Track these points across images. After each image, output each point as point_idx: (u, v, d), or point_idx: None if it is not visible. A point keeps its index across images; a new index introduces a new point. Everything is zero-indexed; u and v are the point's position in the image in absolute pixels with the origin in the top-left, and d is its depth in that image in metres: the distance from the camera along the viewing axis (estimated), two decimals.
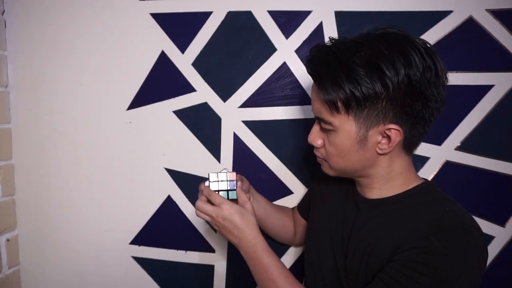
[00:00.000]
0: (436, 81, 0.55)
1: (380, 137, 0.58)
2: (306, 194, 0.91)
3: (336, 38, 0.61)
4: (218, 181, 0.72)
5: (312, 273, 0.73)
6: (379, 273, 0.55)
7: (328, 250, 0.69)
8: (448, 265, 0.51)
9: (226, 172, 0.72)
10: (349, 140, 0.59)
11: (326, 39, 0.85)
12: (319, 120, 0.63)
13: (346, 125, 0.58)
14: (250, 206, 0.68)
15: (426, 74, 0.54)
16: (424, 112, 0.56)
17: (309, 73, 0.62)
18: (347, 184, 0.71)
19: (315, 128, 0.65)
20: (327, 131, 0.61)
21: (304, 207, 0.87)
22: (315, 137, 0.64)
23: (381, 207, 0.63)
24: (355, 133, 0.58)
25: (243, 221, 0.65)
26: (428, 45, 0.57)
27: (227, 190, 0.73)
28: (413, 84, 0.53)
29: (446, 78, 0.58)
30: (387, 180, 0.63)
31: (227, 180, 0.72)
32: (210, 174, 0.72)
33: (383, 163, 0.61)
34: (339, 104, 0.56)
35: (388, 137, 0.57)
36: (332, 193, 0.75)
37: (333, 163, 0.64)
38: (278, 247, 0.94)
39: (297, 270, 0.96)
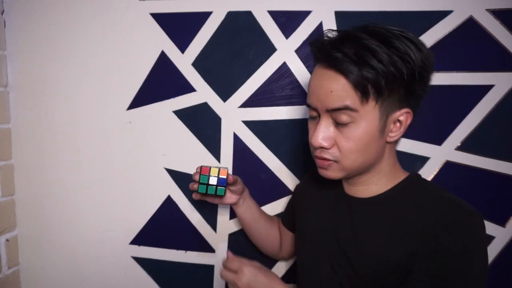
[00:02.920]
0: (431, 68, 0.58)
1: (392, 125, 0.58)
2: (288, 205, 0.90)
3: (336, 29, 0.61)
4: (209, 175, 0.73)
5: (307, 281, 0.71)
6: (410, 277, 0.54)
7: (323, 257, 0.66)
8: (469, 254, 0.52)
9: (219, 168, 0.73)
10: (371, 130, 0.56)
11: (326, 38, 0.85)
12: (332, 112, 0.57)
13: (371, 114, 0.55)
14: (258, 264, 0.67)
15: (430, 60, 0.56)
16: (423, 97, 0.58)
17: (322, 59, 0.57)
18: (335, 187, 0.69)
19: (324, 126, 0.58)
20: (341, 125, 0.57)
21: (288, 218, 0.86)
22: (324, 137, 0.58)
23: (379, 205, 0.61)
24: (378, 121, 0.56)
25: (268, 278, 0.63)
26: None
27: (216, 186, 0.74)
28: (422, 67, 0.55)
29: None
30: (384, 174, 0.62)
31: (217, 176, 0.73)
32: (202, 166, 0.73)
33: (387, 153, 0.61)
34: (370, 88, 0.54)
35: (399, 123, 0.58)
36: (319, 198, 0.73)
37: (350, 162, 0.59)
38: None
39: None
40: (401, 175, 0.63)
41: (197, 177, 0.76)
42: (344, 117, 0.56)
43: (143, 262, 1.03)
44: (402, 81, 0.54)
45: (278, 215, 0.95)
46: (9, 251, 1.03)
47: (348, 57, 0.54)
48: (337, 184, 0.69)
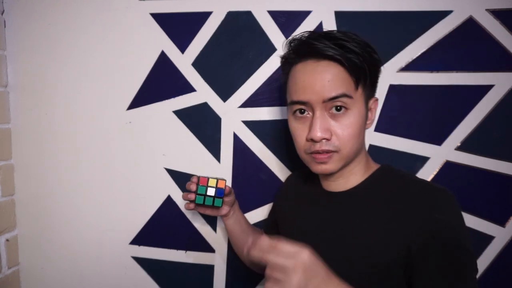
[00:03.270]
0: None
1: (369, 112, 0.65)
2: (269, 215, 0.91)
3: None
4: (207, 186, 0.72)
5: None
6: (415, 279, 0.55)
7: None
8: (459, 226, 0.56)
9: (217, 179, 0.72)
10: (361, 116, 0.61)
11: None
12: (330, 101, 0.58)
13: (359, 100, 0.61)
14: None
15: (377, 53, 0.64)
16: (376, 85, 0.66)
17: (311, 53, 0.60)
18: (313, 187, 0.70)
19: (321, 117, 0.59)
20: (337, 114, 0.59)
21: (271, 228, 0.86)
22: (325, 128, 0.59)
23: (358, 195, 0.64)
24: (364, 107, 0.62)
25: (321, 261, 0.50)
26: None
27: (214, 197, 0.73)
28: (377, 60, 0.63)
29: None
30: (363, 163, 0.66)
31: (216, 187, 0.72)
32: (200, 177, 0.72)
33: (362, 140, 0.65)
34: (360, 72, 0.59)
35: (370, 111, 0.64)
36: (299, 201, 0.74)
37: (348, 149, 0.60)
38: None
39: None
40: (373, 166, 0.68)
41: (193, 187, 0.74)
42: (341, 103, 0.59)
43: (143, 262, 1.03)
44: (373, 68, 0.62)
45: (261, 226, 0.94)
46: (9, 251, 1.03)
47: (333, 47, 0.58)
48: (315, 184, 0.70)
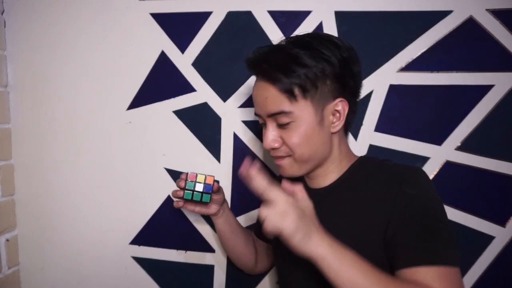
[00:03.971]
0: (356, 59, 0.65)
1: (331, 116, 0.64)
2: (258, 216, 0.90)
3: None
4: (195, 182, 0.74)
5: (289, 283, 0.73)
6: (395, 247, 0.56)
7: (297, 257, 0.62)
8: (431, 200, 0.59)
9: (205, 175, 0.74)
10: (311, 125, 0.62)
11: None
12: (273, 116, 0.63)
13: (305, 111, 0.62)
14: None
15: (351, 53, 0.64)
16: (356, 88, 0.66)
17: (255, 72, 0.67)
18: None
19: (269, 130, 0.65)
20: (284, 125, 0.63)
21: (260, 229, 0.85)
22: (273, 139, 0.65)
23: (338, 189, 0.67)
24: (314, 115, 0.62)
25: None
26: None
27: (202, 192, 0.74)
28: (346, 60, 0.62)
29: (358, 62, 0.67)
30: (339, 162, 0.68)
31: (204, 183, 0.73)
32: (189, 173, 0.73)
33: (335, 143, 0.67)
34: (296, 90, 0.61)
35: (338, 113, 0.64)
36: None
37: (300, 155, 0.64)
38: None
39: None
40: (352, 159, 0.70)
41: (182, 184, 0.75)
42: (283, 119, 0.63)
43: (143, 262, 1.03)
44: (326, 76, 0.61)
45: (250, 228, 0.94)
46: (9, 251, 1.03)
47: (274, 66, 0.61)
48: (301, 181, 0.70)
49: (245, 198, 0.95)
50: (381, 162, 0.67)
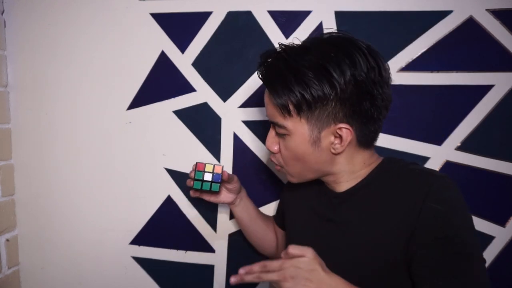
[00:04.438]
0: (381, 80, 0.57)
1: (332, 137, 0.60)
2: (279, 204, 0.91)
3: (286, 43, 0.63)
4: (204, 171, 0.75)
5: None
6: (415, 269, 0.55)
7: None
8: (457, 215, 0.54)
9: (213, 164, 0.75)
10: (303, 143, 0.60)
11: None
12: (273, 124, 0.64)
13: (299, 128, 0.59)
14: (311, 251, 0.54)
15: (370, 74, 0.56)
16: (372, 111, 0.58)
17: (260, 78, 0.64)
18: (318, 184, 0.71)
19: (271, 134, 0.66)
20: (281, 135, 0.63)
21: (279, 217, 0.87)
22: (272, 143, 0.65)
23: (356, 195, 0.63)
24: (308, 136, 0.59)
25: (316, 264, 0.53)
26: (371, 47, 0.59)
27: (211, 182, 0.76)
28: (359, 84, 0.56)
29: (390, 77, 0.60)
30: (351, 173, 0.64)
31: (212, 172, 0.74)
32: (198, 163, 0.74)
33: (342, 160, 0.62)
34: (291, 107, 0.58)
35: (340, 137, 0.59)
36: (304, 195, 0.74)
37: (290, 168, 0.65)
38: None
39: None
40: (373, 163, 0.64)
41: (192, 174, 0.78)
42: (279, 129, 0.62)
43: (143, 262, 1.03)
44: (328, 99, 0.56)
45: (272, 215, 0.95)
46: (9, 251, 1.03)
47: (275, 76, 0.60)
48: (320, 181, 0.70)
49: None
50: (406, 166, 0.62)
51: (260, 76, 0.64)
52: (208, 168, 0.75)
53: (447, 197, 0.55)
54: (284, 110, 0.59)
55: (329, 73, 0.55)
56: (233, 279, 0.60)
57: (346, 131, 0.58)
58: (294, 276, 0.53)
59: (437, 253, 0.53)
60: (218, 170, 0.75)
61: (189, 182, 0.79)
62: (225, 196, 0.82)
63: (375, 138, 0.63)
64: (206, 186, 0.76)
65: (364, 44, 0.59)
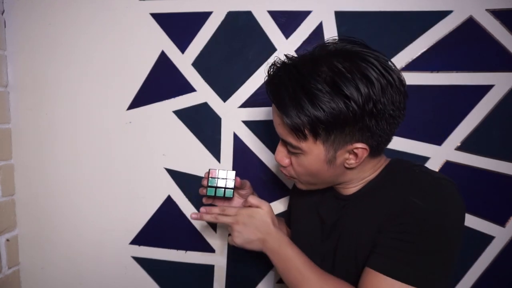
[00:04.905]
0: (396, 94, 0.54)
1: (347, 155, 0.58)
2: (288, 203, 0.91)
3: (293, 56, 0.60)
4: (217, 178, 0.75)
5: None
6: (374, 247, 0.56)
7: (312, 251, 0.67)
8: (435, 218, 0.52)
9: (226, 171, 0.75)
10: (318, 162, 0.59)
11: (326, 39, 0.85)
12: (284, 142, 0.62)
13: (314, 149, 0.57)
14: (267, 205, 0.67)
15: (387, 92, 0.53)
16: (389, 127, 0.56)
17: (269, 96, 0.59)
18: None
19: (281, 148, 0.64)
20: (293, 153, 0.61)
21: (288, 217, 0.87)
22: (282, 157, 0.64)
23: (361, 197, 0.64)
24: (324, 156, 0.58)
25: (268, 218, 0.65)
26: (383, 59, 0.56)
27: (224, 188, 0.75)
28: (376, 104, 0.53)
29: (404, 88, 0.57)
30: (360, 179, 0.64)
31: (225, 178, 0.74)
32: (210, 169, 0.75)
33: (354, 171, 0.62)
34: (306, 131, 0.55)
35: (355, 154, 0.58)
36: (309, 196, 0.75)
37: (304, 181, 0.65)
38: None
39: None
40: (381, 167, 0.64)
41: (205, 182, 0.77)
42: (291, 148, 0.60)
43: (143, 262, 1.03)
44: (345, 124, 0.53)
45: (282, 215, 0.95)
46: (10, 251, 1.03)
47: (287, 97, 0.55)
48: None
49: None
50: (410, 168, 0.61)
51: (269, 94, 0.59)
52: (221, 174, 0.75)
53: (435, 198, 0.54)
54: (299, 134, 0.56)
55: (346, 96, 0.52)
56: (193, 216, 0.72)
57: (362, 150, 0.57)
58: (246, 223, 0.65)
59: (394, 235, 0.53)
60: (231, 176, 0.76)
61: (202, 191, 0.78)
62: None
63: (387, 145, 0.62)
64: (219, 193, 0.76)
65: (374, 56, 0.55)
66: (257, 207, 0.66)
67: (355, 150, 0.57)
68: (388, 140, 0.60)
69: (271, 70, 0.60)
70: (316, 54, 0.58)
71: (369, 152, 0.58)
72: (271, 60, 0.88)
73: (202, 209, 0.70)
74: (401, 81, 0.56)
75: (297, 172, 0.63)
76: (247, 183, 0.80)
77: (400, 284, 0.51)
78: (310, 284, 0.58)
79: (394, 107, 0.54)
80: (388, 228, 0.55)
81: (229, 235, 0.69)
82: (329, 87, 0.52)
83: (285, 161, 0.64)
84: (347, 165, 0.60)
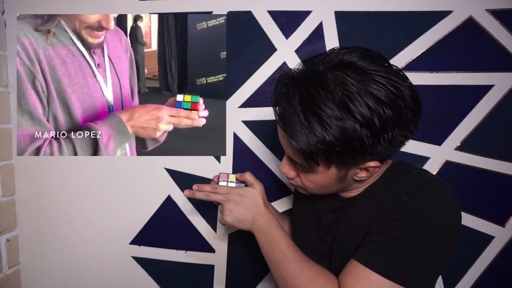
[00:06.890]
0: (411, 117, 0.52)
1: (359, 171, 0.57)
2: (293, 202, 0.91)
3: (302, 69, 0.56)
4: (227, 181, 0.75)
5: None
6: (362, 241, 0.56)
7: (308, 247, 0.68)
8: (423, 217, 0.52)
9: (236, 174, 0.76)
10: (329, 180, 0.57)
11: (326, 39, 0.85)
12: (291, 160, 0.59)
13: (326, 171, 0.55)
14: (261, 186, 0.69)
15: (402, 116, 0.51)
16: (401, 138, 0.53)
17: (277, 119, 0.55)
18: None
19: (288, 162, 0.61)
20: (302, 171, 0.59)
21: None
22: (289, 170, 0.61)
23: (360, 200, 0.63)
24: (336, 175, 0.56)
25: (259, 198, 0.67)
26: (391, 68, 0.53)
27: None
28: (392, 130, 0.51)
29: (420, 107, 0.54)
30: (364, 184, 0.63)
31: (236, 182, 0.75)
32: (220, 174, 0.75)
33: (361, 181, 0.61)
34: (319, 159, 0.53)
35: (367, 169, 0.56)
36: (310, 196, 0.73)
37: (310, 192, 0.63)
38: None
39: None
40: (380, 172, 0.63)
41: (208, 188, 0.75)
42: (300, 167, 0.58)
43: (143, 262, 1.03)
44: (359, 149, 0.50)
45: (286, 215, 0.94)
46: (10, 251, 1.03)
47: (299, 125, 0.51)
48: None
49: None
50: (409, 171, 0.60)
51: (279, 120, 0.54)
52: (232, 178, 0.75)
53: (426, 198, 0.53)
54: (311, 161, 0.53)
55: (360, 123, 0.49)
56: (187, 193, 0.72)
57: (374, 167, 0.55)
58: (237, 202, 0.67)
59: (381, 230, 0.53)
60: (241, 179, 0.76)
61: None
62: None
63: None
64: None
65: (380, 68, 0.51)
66: (251, 184, 0.69)
67: (366, 167, 0.55)
68: (398, 149, 0.57)
69: (278, 88, 0.55)
70: (327, 68, 0.53)
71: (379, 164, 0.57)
72: (271, 60, 0.91)
73: (194, 186, 0.71)
74: (416, 102, 0.53)
75: (306, 185, 0.61)
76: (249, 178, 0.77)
77: (378, 276, 0.51)
78: (290, 265, 0.59)
79: (408, 129, 0.53)
80: (377, 223, 0.55)
81: (221, 214, 0.69)
82: (344, 113, 0.49)
83: (292, 173, 0.61)
84: (357, 178, 0.58)
